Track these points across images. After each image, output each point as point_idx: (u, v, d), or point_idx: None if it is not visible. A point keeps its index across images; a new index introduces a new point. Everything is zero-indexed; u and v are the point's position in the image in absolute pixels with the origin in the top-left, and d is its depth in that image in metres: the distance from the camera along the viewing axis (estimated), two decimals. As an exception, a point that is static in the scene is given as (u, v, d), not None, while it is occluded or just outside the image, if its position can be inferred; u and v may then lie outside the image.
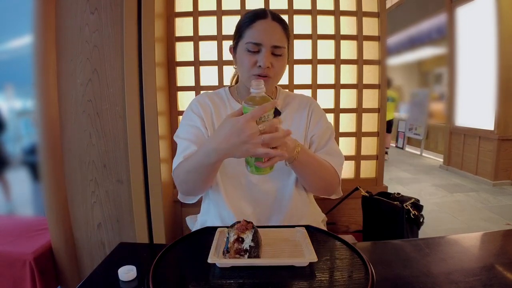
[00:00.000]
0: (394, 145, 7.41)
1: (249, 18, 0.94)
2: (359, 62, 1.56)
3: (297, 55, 1.55)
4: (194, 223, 1.15)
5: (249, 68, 0.93)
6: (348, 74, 1.59)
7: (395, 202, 1.29)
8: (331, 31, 1.54)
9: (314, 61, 1.55)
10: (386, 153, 6.14)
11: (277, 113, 0.99)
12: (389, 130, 6.09)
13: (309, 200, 1.08)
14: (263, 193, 1.00)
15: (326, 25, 1.55)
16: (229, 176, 1.00)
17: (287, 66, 1.51)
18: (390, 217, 1.28)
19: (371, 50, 1.57)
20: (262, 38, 0.91)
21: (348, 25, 1.56)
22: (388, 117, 6.07)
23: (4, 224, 1.57)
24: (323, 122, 1.06)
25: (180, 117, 1.54)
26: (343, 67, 1.56)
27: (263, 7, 1.52)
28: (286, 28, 0.96)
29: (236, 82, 1.17)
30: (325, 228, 1.07)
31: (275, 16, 0.95)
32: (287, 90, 1.29)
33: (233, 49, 1.00)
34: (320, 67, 1.56)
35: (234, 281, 0.64)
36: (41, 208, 1.48)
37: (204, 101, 1.04)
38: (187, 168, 0.87)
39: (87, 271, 1.42)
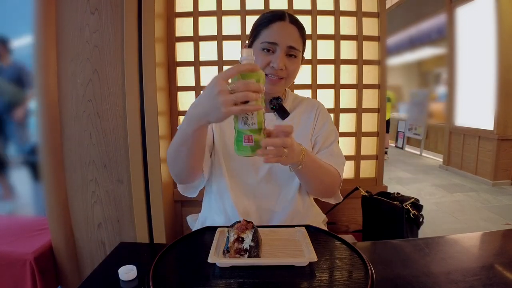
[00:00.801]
0: (393, 145, 7.41)
1: (267, 19, 0.95)
2: (359, 62, 1.56)
3: (297, 55, 1.55)
4: (195, 222, 1.15)
5: (262, 68, 0.94)
6: (348, 74, 1.59)
7: (395, 202, 1.29)
8: (331, 31, 1.54)
9: (314, 61, 1.55)
10: (386, 153, 6.14)
11: (285, 114, 1.00)
12: (387, 130, 6.10)
13: (311, 202, 1.08)
14: (267, 193, 1.00)
15: (326, 25, 1.55)
16: (235, 174, 1.01)
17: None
18: (390, 217, 1.28)
19: (371, 50, 1.57)
20: (278, 38, 0.92)
21: (348, 25, 1.56)
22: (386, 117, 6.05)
23: (5, 224, 1.57)
24: (329, 125, 1.08)
25: (180, 117, 1.55)
26: (342, 67, 1.56)
27: (263, 7, 1.52)
28: (303, 33, 0.98)
29: None
30: (325, 229, 1.08)
31: (293, 19, 0.96)
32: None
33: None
34: (320, 67, 1.56)
35: (234, 280, 0.64)
36: (42, 208, 1.48)
37: None
38: (174, 144, 0.83)
39: (88, 271, 1.42)
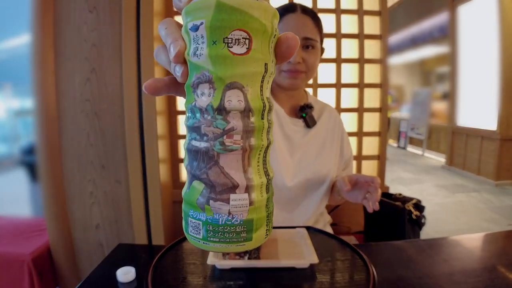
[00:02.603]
0: (396, 145, 7.40)
1: (279, 13, 0.91)
2: (361, 61, 1.55)
3: (297, 54, 1.54)
4: None
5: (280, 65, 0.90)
6: (349, 73, 1.58)
7: (397, 203, 1.28)
8: (332, 29, 1.53)
9: (314, 60, 1.54)
10: None
11: (313, 122, 0.99)
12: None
13: (323, 208, 1.07)
14: (289, 199, 0.97)
15: (327, 23, 1.54)
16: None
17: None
18: (391, 218, 1.27)
19: (372, 49, 1.56)
20: (291, 31, 0.87)
21: (349, 24, 1.55)
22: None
23: (2, 224, 1.57)
24: (349, 142, 1.10)
25: (179, 116, 1.54)
26: (344, 66, 1.55)
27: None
28: (318, 22, 0.94)
29: None
30: (331, 229, 1.07)
31: (305, 9, 0.92)
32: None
33: None
34: (321, 66, 1.55)
35: (234, 282, 0.63)
36: (39, 208, 1.48)
37: None
38: None
39: (86, 272, 1.41)
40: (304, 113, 0.99)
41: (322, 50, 0.99)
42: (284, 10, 0.91)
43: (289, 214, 0.98)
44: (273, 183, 0.31)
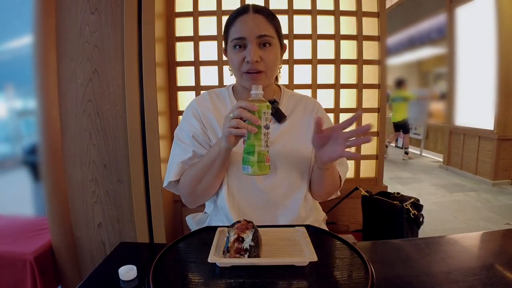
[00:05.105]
0: (394, 144, 7.41)
1: (232, 16, 0.93)
2: (359, 62, 1.56)
3: (297, 55, 1.55)
4: (193, 220, 1.14)
5: (239, 66, 0.91)
6: (348, 74, 1.59)
7: (395, 202, 1.29)
8: (331, 31, 1.54)
9: (314, 61, 1.55)
10: (407, 153, 6.13)
11: (282, 117, 0.99)
12: (406, 130, 6.11)
13: (312, 205, 1.07)
14: (271, 201, 0.97)
15: (326, 25, 1.55)
16: (237, 184, 0.97)
17: (287, 65, 1.52)
18: (390, 216, 1.28)
19: (371, 50, 1.57)
20: (245, 32, 0.89)
21: (348, 25, 1.56)
22: (401, 117, 6.06)
23: (5, 224, 1.57)
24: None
25: (180, 117, 1.55)
26: (343, 67, 1.56)
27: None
28: (273, 18, 0.93)
29: None
30: (325, 227, 1.07)
31: (258, 8, 0.92)
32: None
33: (225, 51, 0.99)
34: (320, 67, 1.56)
35: (234, 280, 0.64)
36: (42, 208, 1.48)
37: (203, 102, 1.04)
38: (202, 165, 0.90)
39: (88, 271, 1.42)
40: None
41: (283, 47, 0.98)
42: (238, 13, 0.92)
43: (275, 211, 0.98)
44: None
